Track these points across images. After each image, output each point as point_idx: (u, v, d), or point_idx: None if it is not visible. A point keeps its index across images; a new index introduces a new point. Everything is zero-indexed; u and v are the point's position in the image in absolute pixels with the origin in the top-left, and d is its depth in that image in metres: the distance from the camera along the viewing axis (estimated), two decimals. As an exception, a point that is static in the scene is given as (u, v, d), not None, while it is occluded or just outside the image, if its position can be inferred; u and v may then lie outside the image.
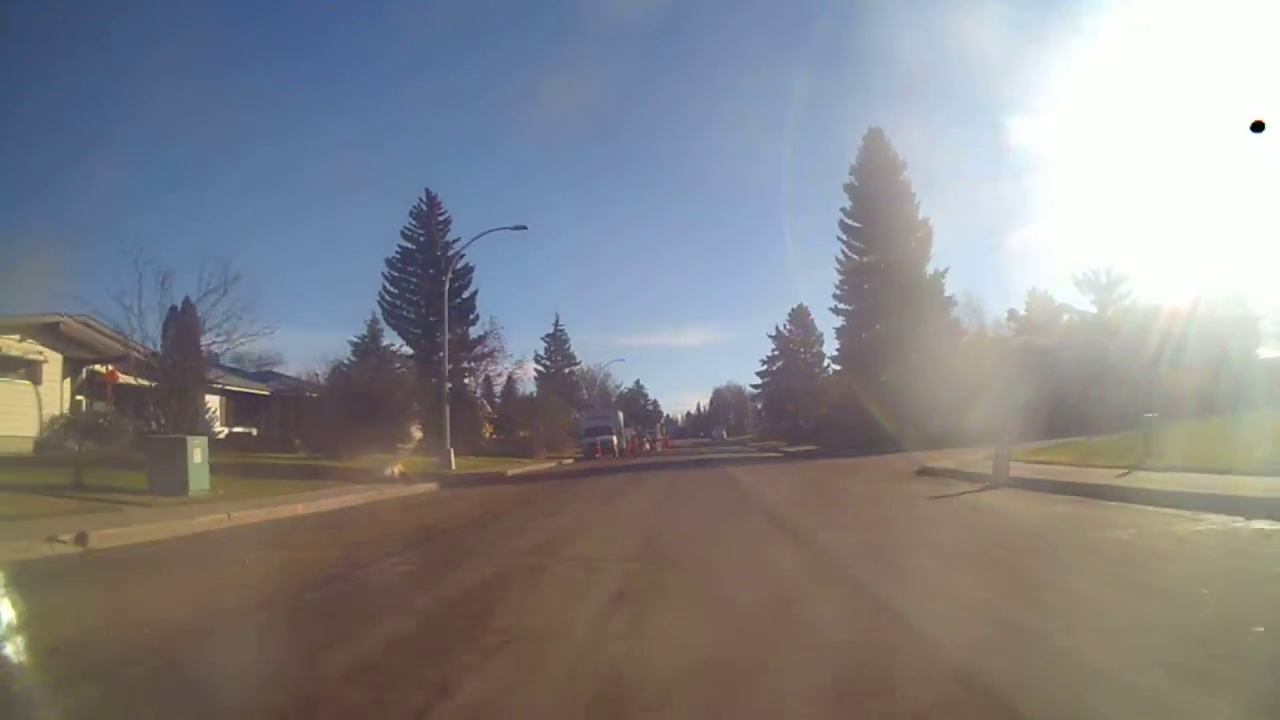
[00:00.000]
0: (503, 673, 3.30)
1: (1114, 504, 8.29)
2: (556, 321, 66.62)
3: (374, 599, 5.30)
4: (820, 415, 40.86)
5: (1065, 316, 43.60)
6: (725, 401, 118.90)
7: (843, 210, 36.38)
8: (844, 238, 36.32)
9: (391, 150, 79.89)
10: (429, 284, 40.15)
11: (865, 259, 35.39)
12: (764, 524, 8.63)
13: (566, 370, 66.88)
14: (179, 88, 54.73)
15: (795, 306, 59.56)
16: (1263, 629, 3.37)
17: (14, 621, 3.68)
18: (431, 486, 17.23)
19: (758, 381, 72.11)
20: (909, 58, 53.97)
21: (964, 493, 10.61)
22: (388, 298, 41.00)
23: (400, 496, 14.88)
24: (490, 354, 41.66)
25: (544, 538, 8.05)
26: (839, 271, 36.46)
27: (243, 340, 20.79)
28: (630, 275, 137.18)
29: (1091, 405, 24.55)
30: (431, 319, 40.12)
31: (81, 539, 7.61)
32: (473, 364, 41.79)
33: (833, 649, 3.48)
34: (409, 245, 41.25)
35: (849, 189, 36.23)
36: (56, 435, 18.11)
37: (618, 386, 78.92)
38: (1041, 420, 22.04)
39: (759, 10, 74.66)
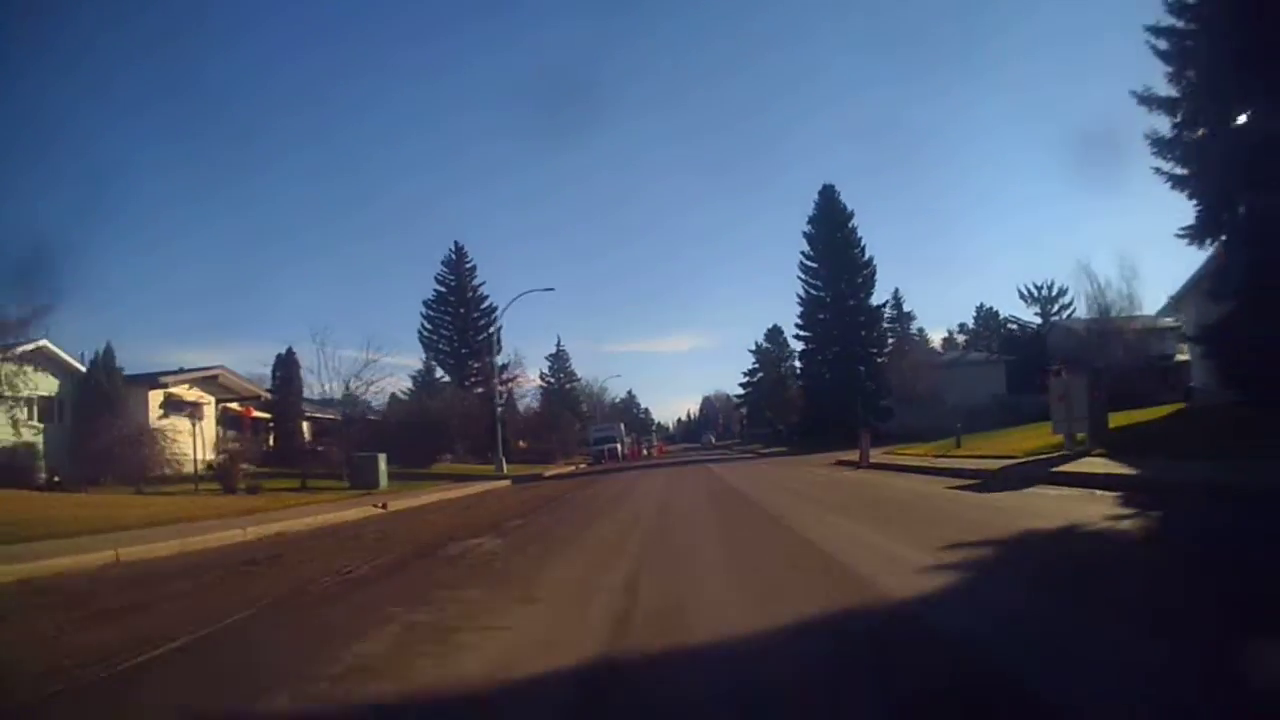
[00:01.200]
0: (629, 508, 11.12)
1: (909, 474, 16.12)
2: (559, 342, 74.58)
3: (564, 512, 13.07)
4: (790, 422, 48.95)
5: (1010, 326, 51.60)
6: (714, 408, 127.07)
7: (802, 253, 44.59)
8: (803, 276, 44.56)
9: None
10: (460, 321, 48.01)
11: (820, 295, 43.57)
12: (723, 488, 16.47)
13: (568, 385, 74.83)
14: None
15: (770, 326, 67.86)
16: (896, 506, 11.21)
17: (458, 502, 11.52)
18: (506, 483, 24.92)
19: (741, 391, 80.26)
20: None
21: (840, 469, 18.50)
22: (425, 332, 48.89)
23: (497, 488, 22.56)
24: (515, 378, 49.46)
25: (614, 493, 15.83)
26: (799, 304, 44.66)
27: (362, 385, 28.07)
28: (617, 282, 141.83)
29: (999, 409, 32.46)
30: (463, 350, 48.06)
31: (384, 506, 15.31)
32: (501, 387, 49.47)
33: (723, 506, 11.33)
34: (441, 289, 49.15)
35: (806, 236, 44.43)
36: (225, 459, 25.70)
37: (613, 398, 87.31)
38: (958, 420, 29.80)
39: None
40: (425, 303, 49.01)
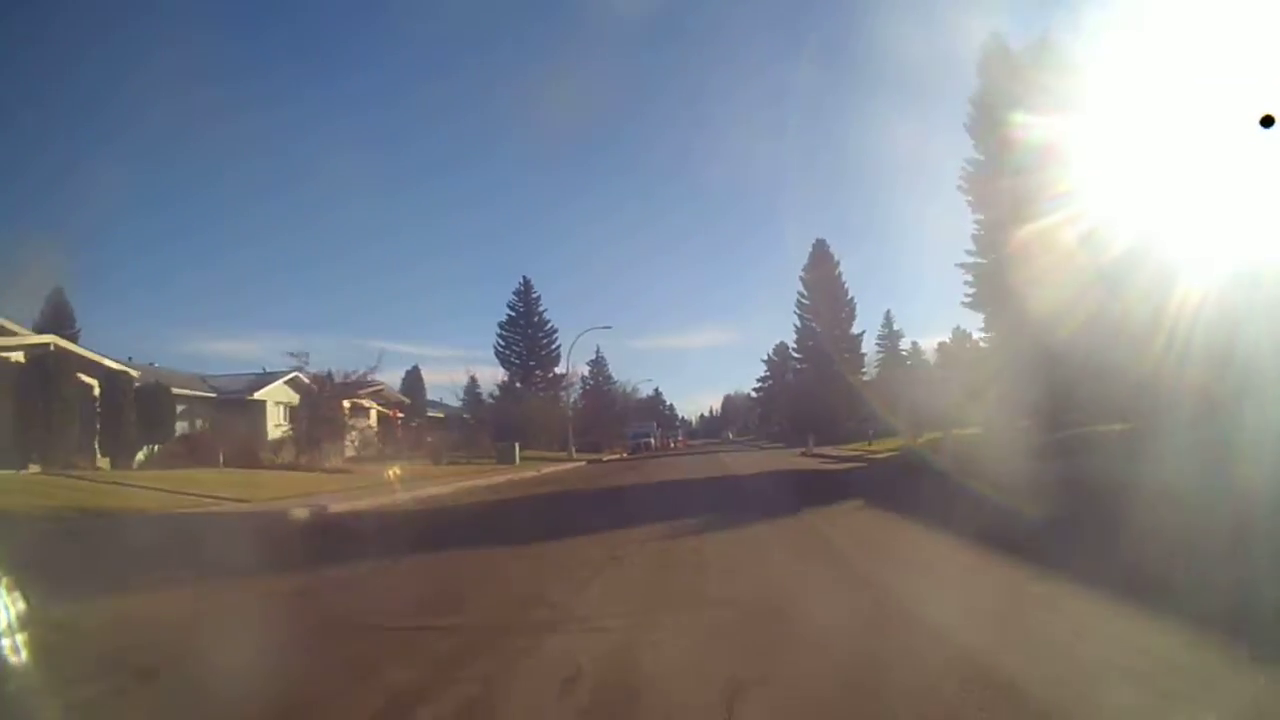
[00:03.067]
0: (671, 466, 23.81)
1: (817, 457, 28.51)
2: (598, 351, 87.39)
3: (644, 469, 25.81)
4: (787, 424, 61.37)
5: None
6: (734, 406, 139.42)
7: (799, 293, 56.95)
8: (798, 311, 56.95)
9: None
10: (528, 341, 61.18)
11: (811, 325, 55.87)
12: (717, 461, 29.05)
13: (606, 387, 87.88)
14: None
15: (778, 343, 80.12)
16: (772, 461, 23.79)
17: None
18: (583, 463, 37.66)
19: (754, 394, 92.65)
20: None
21: (791, 456, 31.03)
22: (500, 347, 62.08)
23: (583, 465, 35.31)
24: (569, 385, 62.41)
25: (658, 464, 28.51)
26: (795, 332, 57.08)
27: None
28: (639, 277, 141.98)
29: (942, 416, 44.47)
30: (530, 363, 61.20)
31: (540, 470, 28.09)
32: (559, 392, 62.66)
33: (711, 471, 24.05)
34: (512, 313, 62.34)
35: (802, 279, 56.72)
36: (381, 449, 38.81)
37: (642, 395, 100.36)
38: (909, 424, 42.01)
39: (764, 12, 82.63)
40: (500, 324, 62.32)
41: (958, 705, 3.05)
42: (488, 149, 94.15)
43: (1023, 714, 3.03)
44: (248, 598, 6.37)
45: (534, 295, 62.51)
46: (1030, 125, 20.14)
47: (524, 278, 63.18)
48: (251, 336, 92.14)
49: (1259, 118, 6.90)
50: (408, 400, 45.16)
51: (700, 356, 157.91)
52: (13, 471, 16.94)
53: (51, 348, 20.54)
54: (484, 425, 48.19)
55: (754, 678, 3.48)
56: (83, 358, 22.13)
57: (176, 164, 70.98)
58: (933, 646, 3.89)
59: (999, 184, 22.57)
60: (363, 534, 11.43)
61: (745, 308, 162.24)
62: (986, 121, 24.01)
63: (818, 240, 56.49)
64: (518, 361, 61.82)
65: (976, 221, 25.78)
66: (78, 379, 20.97)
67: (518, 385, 59.03)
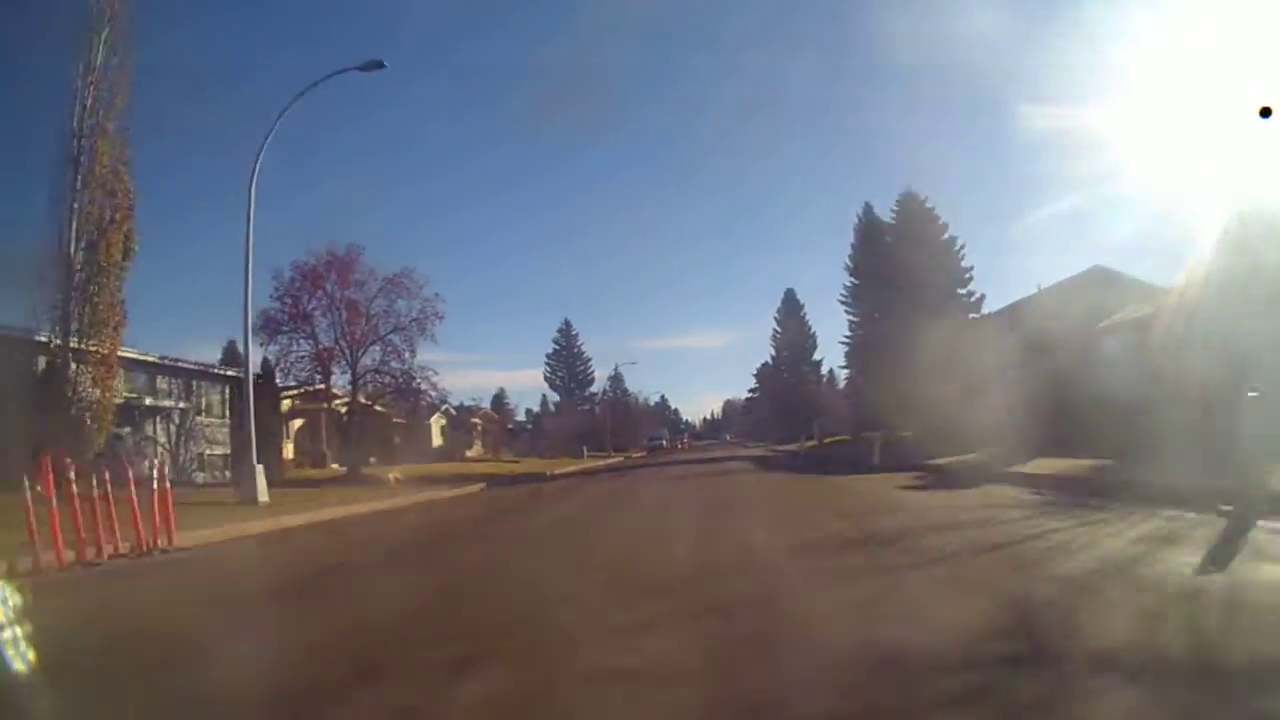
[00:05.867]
0: (685, 458, 42.36)
1: (780, 450, 47.02)
2: (615, 368, 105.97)
3: (668, 456, 44.38)
4: (770, 427, 80.00)
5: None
6: (733, 409, 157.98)
7: (774, 329, 75.27)
8: (772, 344, 75.25)
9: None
10: (569, 368, 79.84)
11: (784, 353, 74.21)
12: (710, 455, 47.50)
13: (624, 398, 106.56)
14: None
15: (764, 362, 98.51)
16: (749, 450, 42.37)
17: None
18: (621, 458, 56.07)
19: (747, 401, 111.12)
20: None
21: (762, 449, 49.55)
22: (547, 373, 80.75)
23: (621, 460, 53.79)
24: (602, 402, 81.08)
25: (672, 458, 47.05)
26: (770, 359, 75.43)
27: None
28: (643, 277, 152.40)
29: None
30: (571, 384, 79.85)
31: (606, 459, 46.58)
32: (594, 407, 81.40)
33: (702, 457, 42.68)
34: (556, 347, 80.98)
35: (776, 319, 75.02)
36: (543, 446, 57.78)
37: (650, 402, 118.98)
38: (841, 428, 60.72)
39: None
40: (546, 356, 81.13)
41: (778, 498, 21.54)
42: (490, 147, 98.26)
43: (783, 495, 21.49)
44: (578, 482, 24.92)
45: (574, 333, 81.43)
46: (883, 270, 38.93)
47: (565, 319, 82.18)
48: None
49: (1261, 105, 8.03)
50: (497, 415, 63.90)
51: (705, 357, 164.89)
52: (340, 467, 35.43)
53: (353, 400, 39.09)
54: (548, 433, 66.97)
55: (718, 501, 21.96)
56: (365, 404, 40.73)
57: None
58: (775, 490, 22.34)
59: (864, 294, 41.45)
60: (595, 474, 29.92)
61: (749, 311, 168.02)
62: (860, 261, 42.64)
63: (787, 290, 75.06)
64: (561, 384, 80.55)
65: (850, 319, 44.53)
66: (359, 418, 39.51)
67: (561, 402, 77.93)
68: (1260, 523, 7.00)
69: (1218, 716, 2.83)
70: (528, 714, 3.28)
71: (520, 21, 77.36)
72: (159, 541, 9.40)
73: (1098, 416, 15.74)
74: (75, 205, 16.58)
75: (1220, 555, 5.84)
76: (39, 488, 7.98)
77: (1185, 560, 5.70)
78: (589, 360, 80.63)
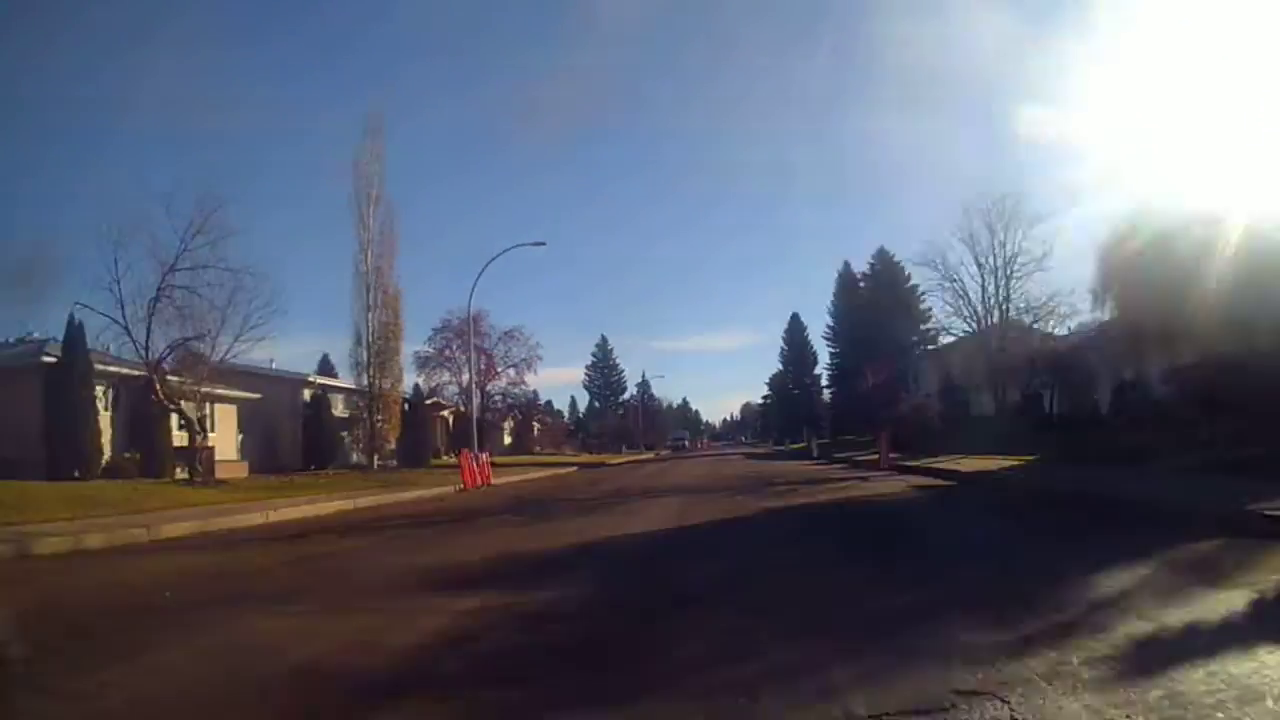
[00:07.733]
0: (702, 456, 56.15)
1: (781, 449, 60.50)
2: (643, 377, 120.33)
3: (693, 454, 58.23)
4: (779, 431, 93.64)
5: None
6: (751, 413, 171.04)
7: (781, 350, 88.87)
8: (780, 360, 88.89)
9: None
10: (605, 380, 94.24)
11: (789, 370, 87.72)
12: (723, 456, 61.23)
13: (650, 404, 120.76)
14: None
15: (774, 372, 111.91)
16: (747, 452, 56.07)
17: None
18: (651, 455, 69.85)
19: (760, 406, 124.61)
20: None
21: (768, 448, 63.07)
22: (585, 383, 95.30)
23: (654, 456, 67.65)
24: (634, 408, 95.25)
25: (696, 457, 60.84)
26: (779, 374, 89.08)
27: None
28: (667, 280, 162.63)
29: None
30: (606, 393, 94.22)
31: (642, 454, 60.52)
32: (627, 412, 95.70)
33: (716, 454, 56.53)
34: (595, 359, 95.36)
35: (784, 339, 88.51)
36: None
37: (673, 406, 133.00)
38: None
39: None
40: (586, 367, 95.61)
41: (743, 468, 35.41)
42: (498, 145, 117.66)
43: (746, 467, 35.35)
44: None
45: (609, 348, 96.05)
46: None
47: (602, 335, 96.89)
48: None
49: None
50: (550, 419, 78.36)
51: (728, 359, 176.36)
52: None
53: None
54: (594, 433, 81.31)
55: (714, 467, 35.81)
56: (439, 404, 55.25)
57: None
58: (744, 465, 36.12)
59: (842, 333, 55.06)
60: (642, 463, 43.95)
61: (769, 314, 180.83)
62: (839, 304, 56.12)
63: (793, 314, 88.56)
64: (597, 390, 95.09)
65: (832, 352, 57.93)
66: (443, 416, 53.92)
67: (598, 405, 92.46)
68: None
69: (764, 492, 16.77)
70: (668, 475, 19.32)
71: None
72: (490, 481, 23.49)
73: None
74: (369, 315, 31.33)
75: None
76: (455, 459, 22.27)
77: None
78: (621, 371, 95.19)
